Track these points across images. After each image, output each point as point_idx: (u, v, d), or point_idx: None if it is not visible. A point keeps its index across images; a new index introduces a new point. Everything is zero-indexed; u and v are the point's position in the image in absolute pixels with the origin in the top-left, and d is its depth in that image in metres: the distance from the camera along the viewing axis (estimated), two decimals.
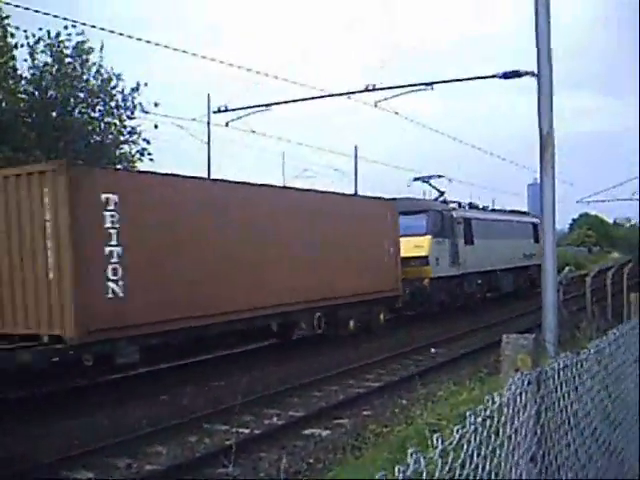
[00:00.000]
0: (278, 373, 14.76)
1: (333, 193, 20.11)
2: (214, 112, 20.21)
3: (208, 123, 33.59)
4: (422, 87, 16.13)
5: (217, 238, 14.53)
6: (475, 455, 2.34)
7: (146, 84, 25.73)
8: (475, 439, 2.32)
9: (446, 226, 24.81)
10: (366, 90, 16.39)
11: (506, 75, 13.28)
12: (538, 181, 11.68)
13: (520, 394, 2.85)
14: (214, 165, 35.31)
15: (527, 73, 12.03)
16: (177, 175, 14.56)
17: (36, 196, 11.97)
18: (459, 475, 2.21)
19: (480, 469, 2.40)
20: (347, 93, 17.31)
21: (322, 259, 17.50)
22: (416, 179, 28.53)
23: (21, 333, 12.12)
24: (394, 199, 22.50)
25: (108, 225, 12.31)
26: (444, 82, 16.35)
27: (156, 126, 26.68)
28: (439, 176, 28.82)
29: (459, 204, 28.02)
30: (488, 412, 2.44)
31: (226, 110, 18.61)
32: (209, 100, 33.45)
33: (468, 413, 2.31)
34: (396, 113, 18.02)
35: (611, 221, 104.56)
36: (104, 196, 12.27)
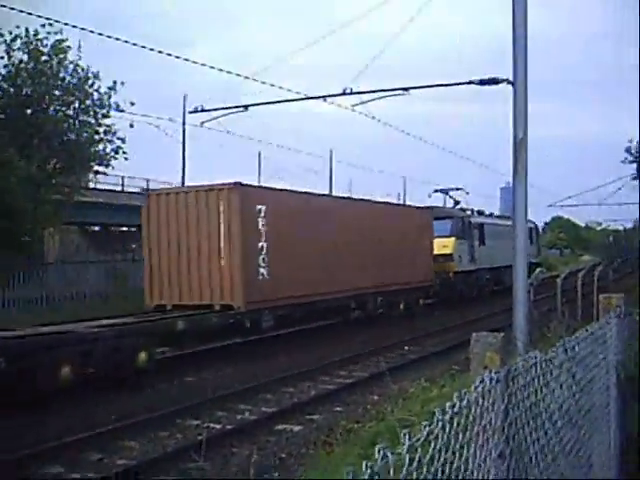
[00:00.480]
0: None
1: (391, 204, 26.17)
2: (190, 112, 20.18)
3: (183, 123, 33.54)
4: (399, 92, 16.24)
5: (324, 238, 19.54)
6: (443, 452, 2.36)
7: (123, 83, 25.60)
8: (443, 436, 2.36)
9: (466, 229, 30.00)
10: (343, 94, 16.45)
11: (482, 82, 13.40)
12: (511, 184, 11.84)
13: (488, 391, 2.91)
14: (190, 164, 35.25)
15: (503, 80, 12.18)
16: (300, 191, 20.13)
17: (214, 206, 16.66)
18: (427, 471, 2.24)
19: (448, 465, 2.43)
20: (324, 96, 17.34)
21: (383, 255, 22.27)
22: (436, 191, 33.90)
23: (197, 304, 16.85)
24: (429, 208, 27.76)
25: (260, 227, 17.15)
26: (421, 87, 16.45)
27: (132, 125, 26.59)
28: (457, 188, 33.79)
29: (472, 211, 32.84)
30: (456, 409, 2.50)
31: (202, 110, 18.54)
32: (185, 100, 33.40)
33: (436, 410, 2.37)
34: (373, 117, 18.09)
35: (582, 224, 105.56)
36: (258, 206, 17.13)
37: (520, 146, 10.93)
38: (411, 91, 15.95)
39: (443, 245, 27.60)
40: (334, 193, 36.68)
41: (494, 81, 12.67)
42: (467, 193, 34.27)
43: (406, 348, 18.62)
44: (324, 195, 21.94)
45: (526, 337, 9.73)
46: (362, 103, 16.78)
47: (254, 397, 12.87)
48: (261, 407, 12.26)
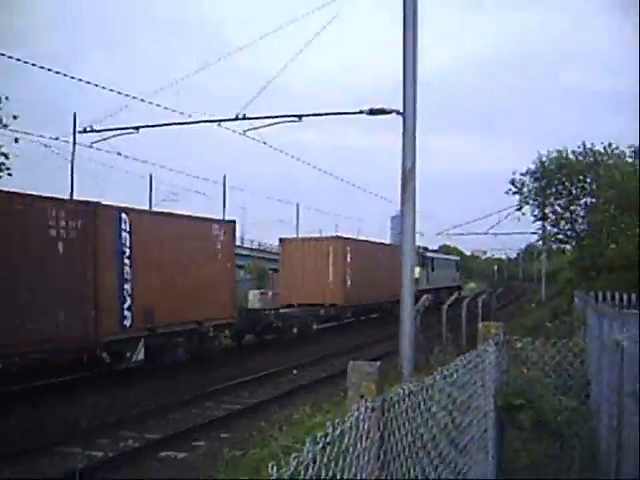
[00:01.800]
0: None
1: (389, 245, 41.47)
2: (79, 132, 19.64)
3: (73, 143, 32.61)
4: (291, 119, 16.36)
5: (368, 268, 32.88)
6: None
7: (7, 98, 24.65)
8: (313, 467, 2.34)
9: (424, 261, 45.30)
10: (236, 119, 16.38)
11: (372, 112, 13.61)
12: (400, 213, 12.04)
13: (363, 420, 2.92)
14: (79, 185, 34.36)
15: (392, 111, 12.40)
16: (363, 240, 36.90)
17: (325, 249, 30.72)
18: None
19: None
20: (216, 120, 17.20)
21: (387, 277, 31.36)
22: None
23: (314, 302, 29.30)
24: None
25: (347, 260, 31.58)
26: (313, 115, 16.58)
27: (16, 140, 25.51)
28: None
29: (425, 248, 48.06)
30: (329, 439, 2.49)
31: (92, 130, 18.03)
32: (75, 120, 32.51)
33: (307, 440, 2.34)
34: (264, 143, 18.08)
35: (468, 253, 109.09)
36: (347, 248, 31.66)
37: (409, 175, 11.14)
38: (304, 119, 16.09)
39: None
40: (227, 218, 36.96)
41: (383, 111, 12.90)
42: (422, 235, 49.74)
43: None
44: (371, 242, 37.46)
45: (411, 364, 9.88)
46: (254, 129, 16.78)
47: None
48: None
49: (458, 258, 63.92)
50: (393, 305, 35.65)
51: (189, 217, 20.70)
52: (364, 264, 32.15)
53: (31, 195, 14.83)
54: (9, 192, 14.63)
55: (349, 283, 30.84)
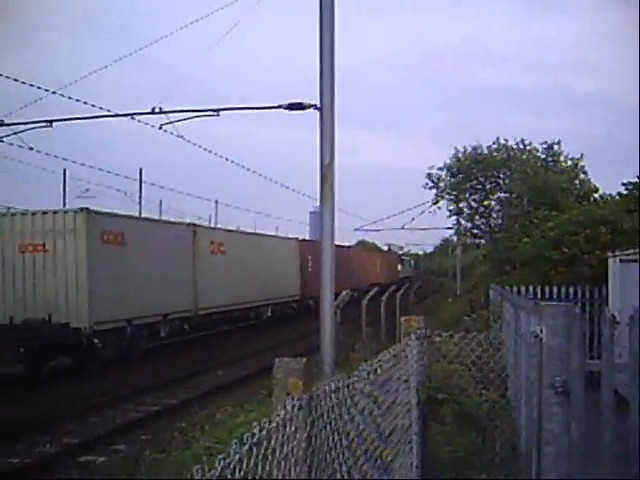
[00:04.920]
0: None
1: (390, 252, 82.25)
2: None
3: None
4: (209, 113, 16.11)
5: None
6: None
7: None
8: (240, 469, 2.22)
9: (401, 260, 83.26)
10: (152, 112, 16.01)
11: (290, 107, 13.52)
12: (319, 209, 12.01)
13: (290, 419, 2.81)
14: None
15: (310, 106, 12.33)
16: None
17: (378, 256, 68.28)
18: None
19: None
20: (132, 114, 16.78)
21: (387, 269, 67.44)
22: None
23: (374, 282, 46.97)
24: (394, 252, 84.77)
25: None
26: (230, 109, 16.40)
27: None
28: (391, 244, 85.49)
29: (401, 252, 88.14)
30: (255, 439, 2.37)
31: (1, 125, 17.29)
32: None
33: (233, 441, 2.22)
34: (180, 137, 17.69)
35: (385, 248, 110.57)
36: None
37: (327, 171, 11.12)
38: (222, 113, 15.85)
39: (397, 267, 73.14)
40: (143, 214, 35.97)
41: (301, 106, 12.83)
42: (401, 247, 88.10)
43: None
44: (383, 251, 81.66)
45: (332, 360, 9.83)
46: (171, 123, 16.43)
47: None
48: None
49: (411, 258, 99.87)
50: (387, 283, 47.95)
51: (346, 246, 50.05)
52: (388, 262, 67.19)
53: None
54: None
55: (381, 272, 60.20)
